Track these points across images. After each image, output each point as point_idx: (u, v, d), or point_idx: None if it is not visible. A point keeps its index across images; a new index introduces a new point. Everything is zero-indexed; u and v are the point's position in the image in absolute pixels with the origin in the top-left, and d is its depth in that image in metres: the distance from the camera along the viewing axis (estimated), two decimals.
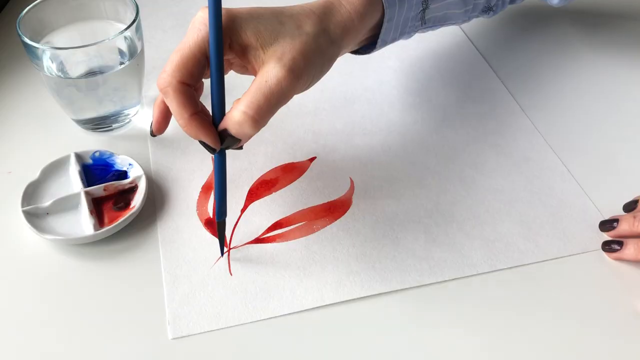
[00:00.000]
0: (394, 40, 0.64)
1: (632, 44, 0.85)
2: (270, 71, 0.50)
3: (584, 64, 0.82)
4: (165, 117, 0.58)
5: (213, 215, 0.62)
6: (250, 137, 0.52)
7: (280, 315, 0.54)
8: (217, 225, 0.57)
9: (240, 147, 0.54)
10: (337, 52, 0.56)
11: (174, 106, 0.51)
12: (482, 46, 0.84)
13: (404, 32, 0.65)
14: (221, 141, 0.52)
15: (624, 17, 0.90)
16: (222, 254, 0.59)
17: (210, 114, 0.53)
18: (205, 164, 0.67)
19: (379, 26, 0.61)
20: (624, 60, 0.83)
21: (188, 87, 0.51)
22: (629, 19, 0.89)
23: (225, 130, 0.51)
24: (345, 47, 0.58)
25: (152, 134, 0.60)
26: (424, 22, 0.66)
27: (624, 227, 0.60)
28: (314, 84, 0.55)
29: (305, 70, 0.52)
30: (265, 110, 0.50)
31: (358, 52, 0.65)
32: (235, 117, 0.50)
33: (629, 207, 0.62)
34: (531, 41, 0.85)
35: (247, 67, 0.54)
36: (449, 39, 0.85)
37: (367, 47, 0.64)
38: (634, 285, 0.57)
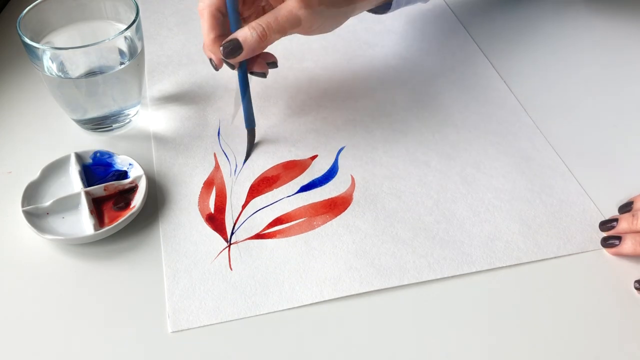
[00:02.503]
0: (407, 2, 0.74)
1: (634, 44, 0.85)
2: (287, 1, 0.60)
3: (586, 63, 0.82)
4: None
5: (214, 210, 0.62)
6: (252, 48, 0.60)
7: (280, 310, 0.54)
8: (248, 132, 0.68)
9: (264, 75, 0.65)
10: (351, 10, 0.65)
11: (205, 26, 0.62)
12: (484, 45, 0.84)
13: None
14: (227, 47, 0.61)
15: (626, 16, 0.90)
16: (245, 161, 0.67)
17: None
18: (207, 160, 0.67)
19: None
20: (627, 60, 0.83)
21: (221, 14, 0.62)
22: (630, 19, 0.90)
23: (235, 38, 0.60)
24: (359, 8, 0.67)
25: (215, 68, 0.66)
26: None
27: (623, 226, 0.60)
28: (322, 30, 0.65)
29: (318, 10, 0.61)
30: (272, 28, 0.60)
31: (376, 12, 0.74)
32: (246, 27, 0.60)
33: (624, 208, 0.62)
34: (533, 40, 0.85)
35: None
36: (451, 38, 0.85)
37: (384, 7, 0.73)
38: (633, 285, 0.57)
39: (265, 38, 0.60)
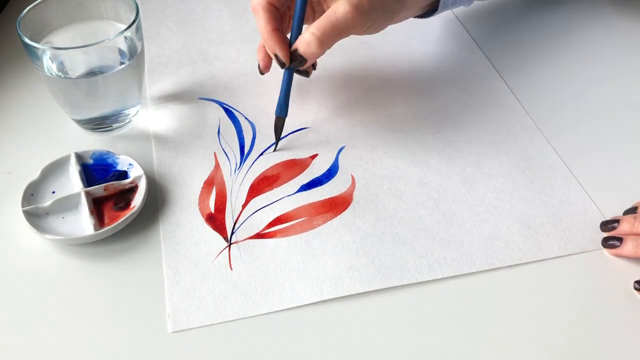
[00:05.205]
0: (454, 4, 0.77)
1: (635, 45, 0.85)
2: (340, 5, 0.62)
3: (586, 63, 0.82)
4: (268, 55, 0.68)
5: (215, 210, 0.62)
6: (314, 56, 0.63)
7: (280, 310, 0.54)
8: (276, 119, 0.68)
9: (307, 74, 0.70)
10: (400, 8, 0.67)
11: (261, 22, 0.64)
12: (485, 45, 0.84)
13: None
14: (291, 60, 0.64)
15: (627, 17, 0.90)
16: (275, 149, 0.69)
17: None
18: (207, 159, 0.67)
19: None
20: (627, 60, 0.83)
21: (275, 8, 0.64)
22: (631, 20, 0.90)
23: (295, 50, 0.63)
24: (409, 7, 0.69)
25: (261, 72, 0.70)
26: None
27: (624, 228, 0.60)
28: (374, 30, 0.66)
29: (369, 11, 0.63)
30: (329, 35, 0.62)
31: (423, 16, 0.75)
32: (305, 36, 0.62)
33: (628, 214, 0.62)
34: (534, 40, 0.85)
35: (324, 9, 0.68)
36: (451, 38, 0.85)
37: (430, 11, 0.75)
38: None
39: (324, 45, 0.62)
